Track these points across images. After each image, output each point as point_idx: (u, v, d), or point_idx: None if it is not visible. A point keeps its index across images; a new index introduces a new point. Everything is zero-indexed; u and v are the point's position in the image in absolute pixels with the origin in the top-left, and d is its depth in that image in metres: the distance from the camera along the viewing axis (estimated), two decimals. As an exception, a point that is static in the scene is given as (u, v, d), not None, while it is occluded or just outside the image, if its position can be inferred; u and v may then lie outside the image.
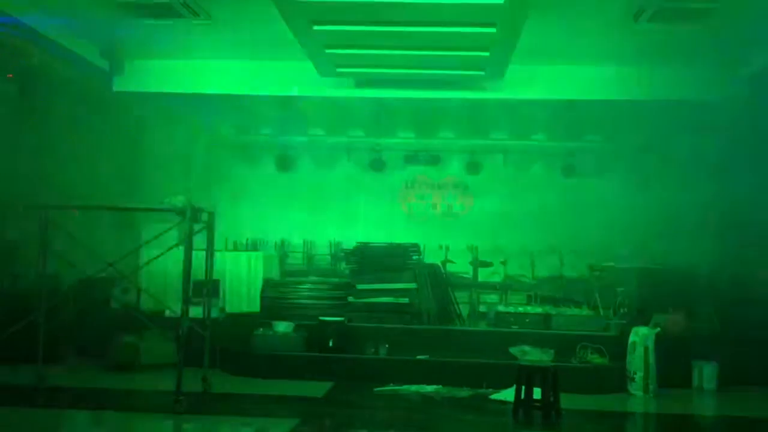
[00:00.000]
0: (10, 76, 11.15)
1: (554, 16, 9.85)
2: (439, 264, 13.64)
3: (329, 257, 16.03)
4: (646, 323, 10.16)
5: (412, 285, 11.27)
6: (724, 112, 12.43)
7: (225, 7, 10.11)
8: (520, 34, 9.70)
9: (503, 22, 9.26)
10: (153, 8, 10.07)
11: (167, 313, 9.53)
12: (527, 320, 11.04)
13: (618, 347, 9.96)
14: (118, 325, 10.43)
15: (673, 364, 9.87)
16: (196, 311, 8.79)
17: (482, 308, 13.67)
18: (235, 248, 15.08)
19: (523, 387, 8.12)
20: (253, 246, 15.73)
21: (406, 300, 11.13)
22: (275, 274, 12.76)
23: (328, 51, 10.58)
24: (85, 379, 9.55)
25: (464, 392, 9.28)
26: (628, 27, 10.16)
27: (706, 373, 10.07)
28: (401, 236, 13.30)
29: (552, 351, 9.97)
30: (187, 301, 8.10)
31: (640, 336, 9.76)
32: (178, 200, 8.14)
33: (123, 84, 12.62)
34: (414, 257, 11.82)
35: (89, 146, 12.66)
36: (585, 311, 11.37)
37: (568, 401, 8.26)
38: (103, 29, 11.15)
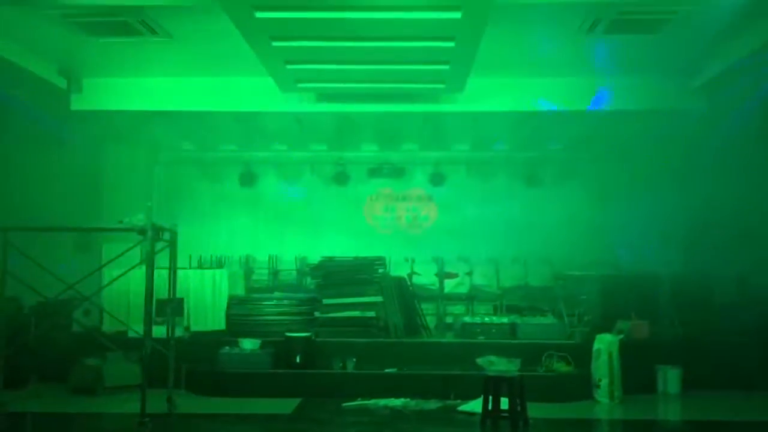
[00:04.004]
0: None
1: (511, 28, 9.95)
2: (405, 276, 13.68)
3: (295, 272, 15.94)
4: (609, 330, 10.28)
5: (379, 298, 11.27)
6: (681, 121, 12.67)
7: (183, 25, 10.05)
8: (479, 47, 9.81)
9: (461, 36, 9.36)
10: (111, 26, 9.96)
11: (130, 333, 9.40)
12: (493, 330, 11.09)
13: (583, 355, 10.06)
14: (80, 348, 10.27)
15: (637, 370, 9.99)
16: (159, 331, 8.69)
17: (449, 319, 13.76)
18: (200, 265, 14.95)
19: (491, 397, 8.17)
20: (218, 263, 15.60)
21: (372, 313, 11.10)
22: (240, 290, 12.67)
23: (288, 66, 10.59)
24: (48, 403, 9.39)
25: (432, 404, 9.29)
26: (584, 38, 10.30)
27: (670, 378, 10.20)
28: (367, 249, 13.27)
29: (518, 360, 10.01)
30: (149, 322, 7.98)
31: (605, 343, 9.86)
32: (138, 219, 8.05)
33: (81, 102, 12.47)
34: (380, 270, 11.78)
35: (47, 166, 12.48)
36: (550, 320, 11.46)
37: (535, 410, 8.31)
38: (60, 47, 11.03)
